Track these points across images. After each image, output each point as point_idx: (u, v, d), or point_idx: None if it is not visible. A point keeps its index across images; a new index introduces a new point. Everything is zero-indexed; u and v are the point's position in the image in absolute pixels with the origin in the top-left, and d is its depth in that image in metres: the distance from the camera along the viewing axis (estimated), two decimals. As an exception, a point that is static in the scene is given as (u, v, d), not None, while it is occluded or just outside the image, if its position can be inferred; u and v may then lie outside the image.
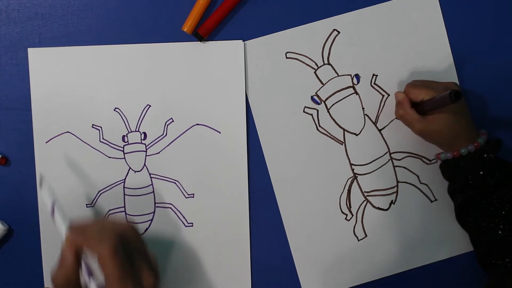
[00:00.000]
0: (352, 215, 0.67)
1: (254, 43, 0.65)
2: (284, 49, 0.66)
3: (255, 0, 0.65)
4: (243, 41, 0.65)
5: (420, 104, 0.61)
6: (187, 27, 0.64)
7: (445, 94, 0.55)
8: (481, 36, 0.67)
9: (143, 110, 0.65)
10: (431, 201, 0.67)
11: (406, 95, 0.63)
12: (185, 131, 0.65)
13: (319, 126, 0.67)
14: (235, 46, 0.65)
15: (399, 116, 0.64)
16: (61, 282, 0.51)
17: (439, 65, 0.67)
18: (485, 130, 0.62)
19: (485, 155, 0.59)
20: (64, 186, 0.65)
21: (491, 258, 0.59)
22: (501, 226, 0.58)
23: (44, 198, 0.56)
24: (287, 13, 0.66)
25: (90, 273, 0.52)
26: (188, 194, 0.65)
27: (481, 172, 0.59)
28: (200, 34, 0.63)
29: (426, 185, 0.67)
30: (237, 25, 0.65)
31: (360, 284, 0.66)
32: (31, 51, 0.64)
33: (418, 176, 0.67)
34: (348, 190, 0.67)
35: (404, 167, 0.67)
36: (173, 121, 0.65)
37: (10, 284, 0.65)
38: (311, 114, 0.66)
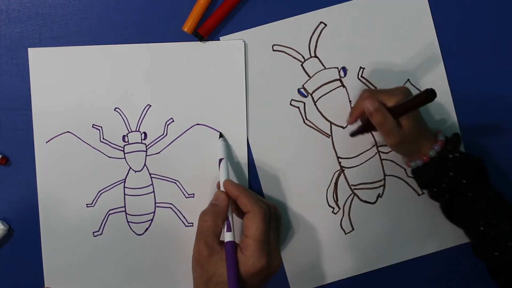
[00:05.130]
0: (339, 209, 0.67)
1: (241, 36, 0.65)
2: (270, 42, 0.66)
3: (255, 0, 0.65)
4: (243, 41, 0.65)
5: (392, 109, 0.58)
6: (187, 27, 0.64)
7: (421, 93, 0.55)
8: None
9: (143, 110, 0.65)
10: (419, 195, 0.67)
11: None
12: (185, 131, 0.65)
13: (306, 119, 0.66)
14: (236, 46, 0.65)
15: (379, 124, 0.59)
16: (211, 217, 0.57)
17: (426, 58, 0.67)
18: (436, 128, 0.62)
19: (450, 155, 0.59)
20: (64, 186, 0.64)
21: (482, 252, 0.60)
22: (481, 222, 0.58)
23: (218, 149, 0.63)
24: (287, 13, 0.66)
25: (228, 227, 0.57)
26: (188, 194, 0.65)
27: (451, 174, 0.59)
28: (201, 34, 0.63)
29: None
30: (237, 25, 0.65)
31: (347, 278, 0.67)
32: (31, 51, 0.64)
33: (405, 169, 0.67)
34: (335, 183, 0.67)
35: (392, 160, 0.67)
36: (173, 121, 0.65)
37: (10, 284, 0.65)
38: (298, 107, 0.66)
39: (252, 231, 0.55)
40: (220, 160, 0.62)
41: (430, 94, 0.54)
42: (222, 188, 0.60)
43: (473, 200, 0.59)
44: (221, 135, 0.65)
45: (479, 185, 0.59)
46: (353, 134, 0.65)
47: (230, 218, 0.58)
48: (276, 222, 0.60)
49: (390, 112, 0.58)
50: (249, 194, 0.58)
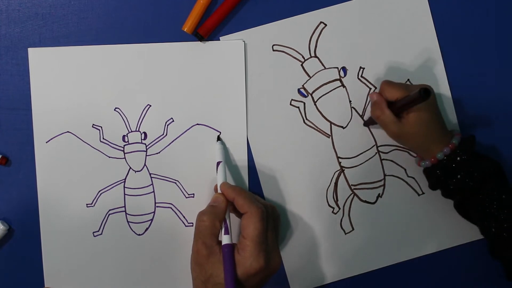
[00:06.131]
0: (339, 209, 0.67)
1: (241, 36, 0.65)
2: (270, 42, 0.66)
3: (255, 0, 0.65)
4: (243, 41, 0.65)
5: (394, 103, 0.61)
6: (187, 27, 0.64)
7: (415, 92, 0.55)
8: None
9: (143, 110, 0.65)
10: (419, 195, 0.67)
11: (381, 94, 0.62)
12: (185, 131, 0.65)
13: (306, 119, 0.66)
14: (236, 46, 0.65)
15: (375, 117, 0.62)
16: (208, 218, 0.57)
17: (426, 58, 0.67)
18: (458, 131, 0.62)
19: (458, 158, 0.59)
20: (64, 186, 0.64)
21: (496, 253, 0.60)
22: (493, 224, 0.58)
23: (215, 152, 0.63)
24: (287, 13, 0.66)
25: (226, 230, 0.57)
26: (188, 194, 0.65)
27: (459, 176, 0.59)
28: (201, 34, 0.63)
29: (413, 178, 0.67)
30: (237, 25, 0.65)
31: (347, 278, 0.67)
32: (31, 51, 0.64)
33: (405, 169, 0.67)
34: (335, 183, 0.67)
35: (391, 160, 0.67)
36: (173, 121, 0.65)
37: (10, 284, 0.65)
38: (298, 107, 0.66)
39: (250, 232, 0.55)
40: (218, 163, 0.62)
41: (423, 93, 0.54)
42: (219, 191, 0.60)
43: (484, 202, 0.59)
44: (218, 138, 0.65)
45: (491, 187, 0.58)
46: (366, 124, 0.66)
47: (228, 221, 0.58)
48: (274, 222, 0.60)
49: (391, 107, 0.60)
50: (246, 195, 0.58)
